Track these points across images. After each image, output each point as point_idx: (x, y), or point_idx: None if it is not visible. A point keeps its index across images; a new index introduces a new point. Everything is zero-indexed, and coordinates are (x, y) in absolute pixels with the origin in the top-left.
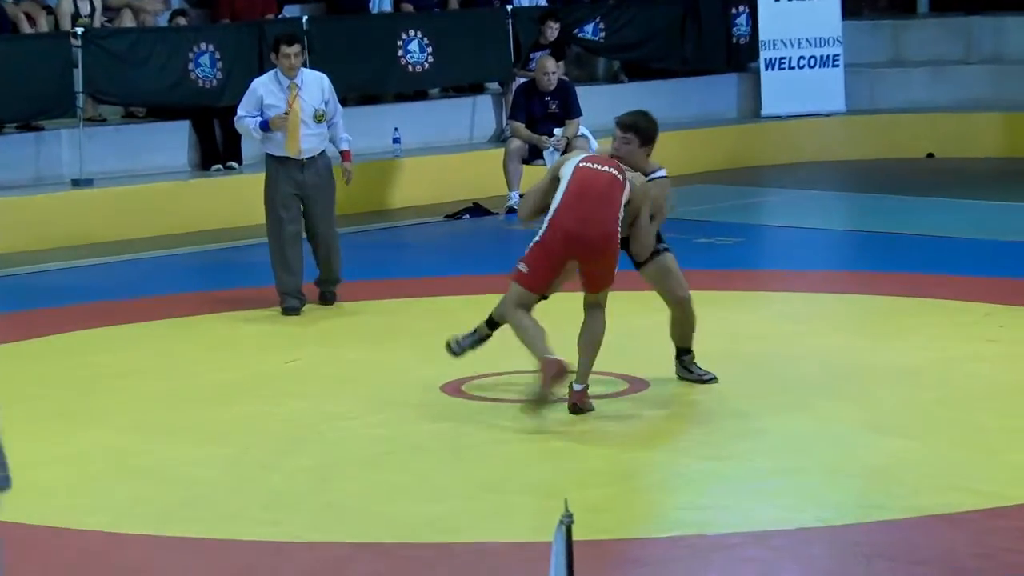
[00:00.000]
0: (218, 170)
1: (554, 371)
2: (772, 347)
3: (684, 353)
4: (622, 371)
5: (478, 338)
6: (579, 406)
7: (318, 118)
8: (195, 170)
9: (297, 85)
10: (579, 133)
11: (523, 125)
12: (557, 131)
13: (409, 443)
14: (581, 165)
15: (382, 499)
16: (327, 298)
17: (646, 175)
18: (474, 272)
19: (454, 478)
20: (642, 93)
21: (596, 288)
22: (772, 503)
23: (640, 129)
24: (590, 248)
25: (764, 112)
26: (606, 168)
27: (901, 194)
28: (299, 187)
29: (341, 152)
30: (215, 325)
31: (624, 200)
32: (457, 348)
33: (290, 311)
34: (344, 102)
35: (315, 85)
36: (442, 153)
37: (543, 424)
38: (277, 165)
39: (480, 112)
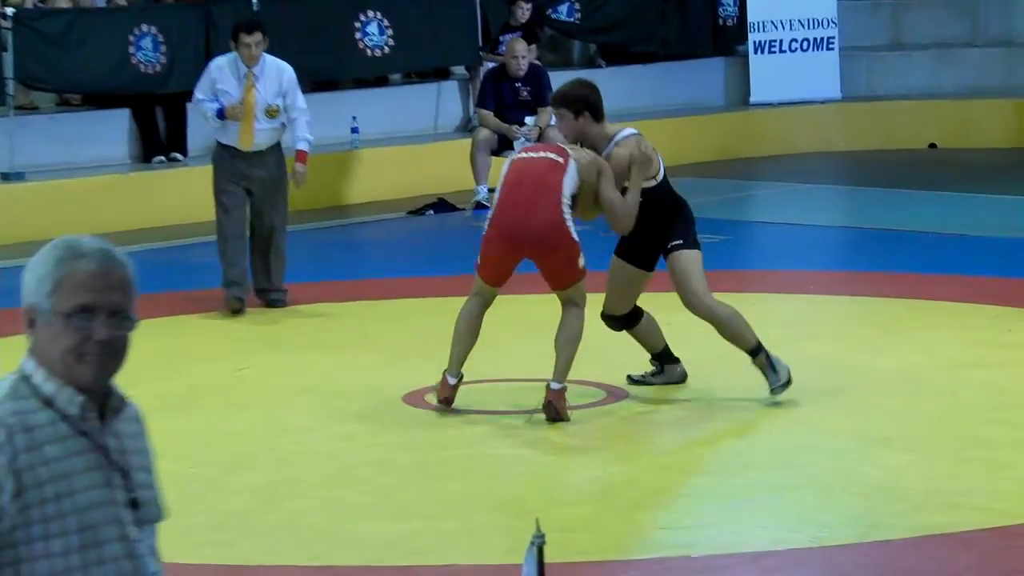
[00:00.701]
0: (161, 162)
1: (442, 395)
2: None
3: (754, 354)
4: (599, 379)
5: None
6: (555, 407)
7: (270, 113)
8: (136, 162)
9: (255, 75)
10: (552, 122)
11: (492, 113)
12: (529, 120)
13: (369, 458)
14: (516, 156)
15: (340, 519)
16: (275, 305)
17: (607, 143)
18: (439, 273)
19: (418, 496)
20: (621, 79)
21: (559, 285)
22: (764, 522)
23: (567, 99)
24: (535, 240)
25: (753, 99)
26: (542, 154)
27: (901, 188)
28: (245, 180)
29: (296, 151)
30: (157, 330)
31: (573, 183)
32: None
33: (233, 302)
34: None
35: (274, 77)
36: (404, 144)
37: (513, 437)
38: (223, 153)
39: (445, 99)
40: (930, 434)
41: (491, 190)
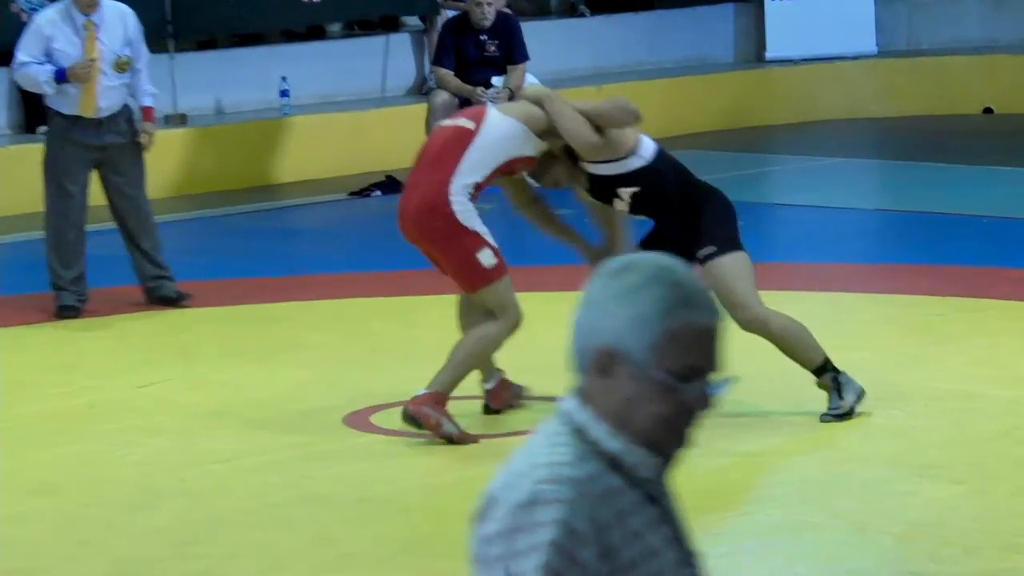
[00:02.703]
0: (47, 134)
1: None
2: (781, 364)
3: (819, 373)
4: None
5: None
6: (411, 412)
7: (120, 66)
8: (16, 133)
9: (95, 24)
10: (525, 83)
11: (452, 73)
12: (496, 80)
13: (301, 492)
14: (437, 125)
15: (265, 567)
16: (170, 297)
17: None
18: (388, 267)
19: (361, 538)
20: (608, 31)
21: (464, 287)
22: (782, 568)
23: None
24: (409, 224)
25: (770, 55)
26: (453, 121)
27: (950, 162)
28: (97, 153)
29: (142, 109)
30: (45, 337)
31: (495, 152)
32: None
33: (67, 311)
34: (214, 44)
35: (117, 24)
36: (345, 110)
37: (476, 467)
38: (67, 125)
39: (395, 56)
40: (984, 462)
41: None
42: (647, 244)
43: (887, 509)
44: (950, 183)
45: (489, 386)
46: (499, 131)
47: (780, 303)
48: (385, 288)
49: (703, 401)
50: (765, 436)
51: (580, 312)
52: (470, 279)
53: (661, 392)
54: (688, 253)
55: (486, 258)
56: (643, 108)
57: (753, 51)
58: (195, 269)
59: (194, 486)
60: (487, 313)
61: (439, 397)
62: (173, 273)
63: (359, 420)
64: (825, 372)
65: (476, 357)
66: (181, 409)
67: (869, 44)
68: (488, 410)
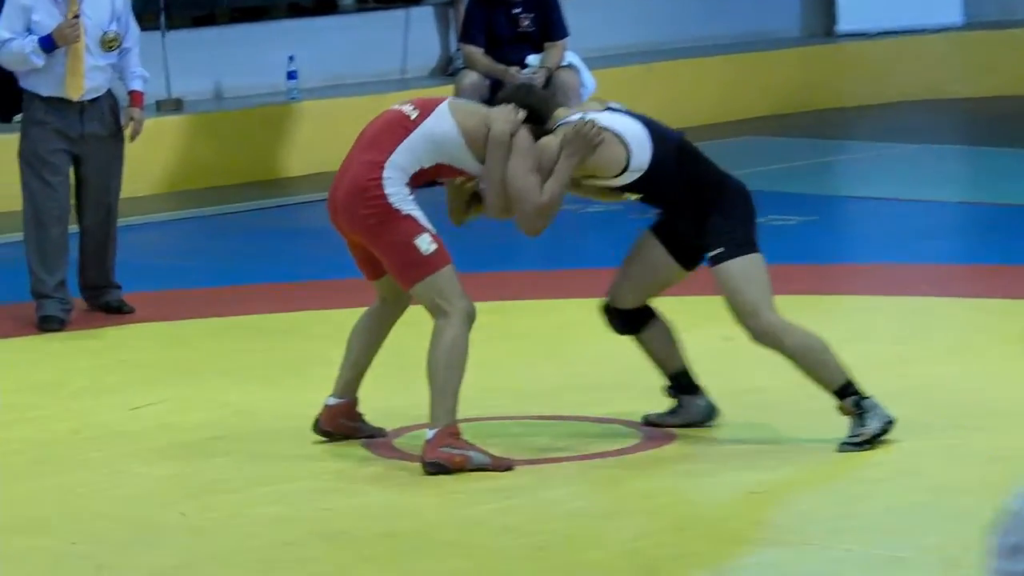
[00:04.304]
0: (23, 121)
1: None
2: (859, 379)
3: (841, 395)
4: (632, 415)
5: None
6: (432, 462)
7: (108, 43)
8: None
9: None
10: (565, 62)
11: (482, 51)
12: (532, 59)
13: (320, 527)
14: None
15: None
16: (114, 306)
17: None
18: None
19: None
20: (659, 2)
21: (400, 282)
22: None
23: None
24: (340, 215)
25: (841, 28)
26: (399, 106)
27: None
28: (78, 144)
29: (130, 93)
30: (23, 353)
31: (432, 147)
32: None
33: (50, 322)
34: (212, 19)
35: None
36: (360, 94)
37: (513, 498)
38: (46, 109)
39: (417, 32)
40: None
41: None
42: (658, 232)
43: (982, 544)
44: None
45: (333, 402)
46: (439, 129)
47: (855, 310)
48: None
49: None
50: (839, 464)
51: None
52: (408, 270)
53: None
54: (694, 249)
55: (424, 244)
56: (698, 89)
57: (822, 24)
58: (193, 274)
59: (196, 521)
60: (431, 312)
61: (451, 430)
62: (167, 279)
63: (383, 446)
64: (847, 395)
65: (456, 369)
66: (180, 434)
67: (955, 14)
68: (317, 427)
